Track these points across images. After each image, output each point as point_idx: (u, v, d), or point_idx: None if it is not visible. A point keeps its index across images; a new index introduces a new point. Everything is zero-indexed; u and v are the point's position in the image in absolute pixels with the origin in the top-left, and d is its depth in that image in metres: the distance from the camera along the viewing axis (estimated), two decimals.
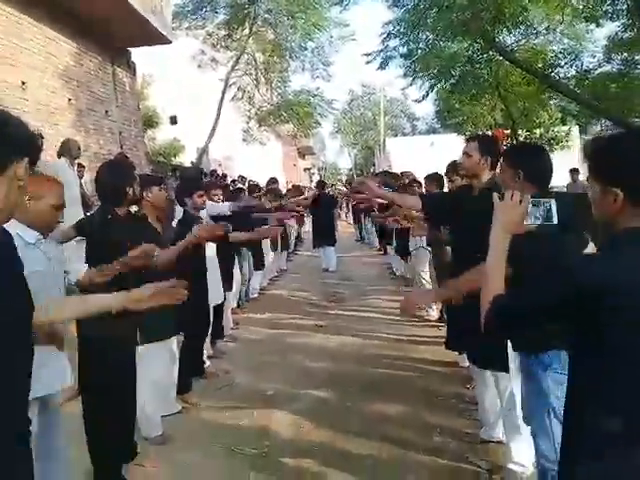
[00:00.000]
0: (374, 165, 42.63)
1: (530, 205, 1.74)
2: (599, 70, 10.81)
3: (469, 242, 3.41)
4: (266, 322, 7.30)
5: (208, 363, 5.35)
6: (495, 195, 1.78)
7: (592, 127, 20.23)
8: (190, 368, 4.70)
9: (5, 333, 1.34)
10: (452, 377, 4.99)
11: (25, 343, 1.48)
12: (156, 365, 3.77)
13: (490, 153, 3.26)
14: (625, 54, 10.34)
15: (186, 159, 20.21)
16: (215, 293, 5.26)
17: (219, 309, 5.68)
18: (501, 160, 2.83)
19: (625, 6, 8.67)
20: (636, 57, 10.26)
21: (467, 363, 4.28)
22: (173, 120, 24.98)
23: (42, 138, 1.45)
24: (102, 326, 2.36)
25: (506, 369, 2.95)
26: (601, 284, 1.40)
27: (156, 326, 3.62)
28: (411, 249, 7.69)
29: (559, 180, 13.33)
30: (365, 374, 5.18)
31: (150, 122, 19.53)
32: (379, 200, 5.08)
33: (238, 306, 7.73)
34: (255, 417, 4.28)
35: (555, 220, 1.74)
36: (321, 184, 13.49)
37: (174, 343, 4.12)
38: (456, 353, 5.05)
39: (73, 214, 4.25)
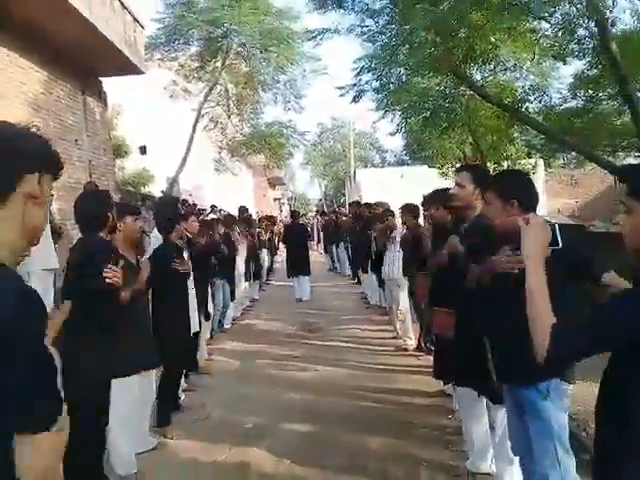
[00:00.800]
0: (344, 196, 42.96)
1: None
2: (565, 105, 11.18)
3: (451, 272, 3.43)
4: (241, 353, 7.16)
5: (183, 396, 5.20)
6: (520, 220, 1.77)
7: (556, 160, 20.80)
8: (169, 401, 4.56)
9: None
10: (433, 408, 4.94)
11: None
12: (127, 399, 3.60)
13: (482, 184, 3.15)
14: (590, 91, 10.73)
15: (155, 189, 20.01)
16: (192, 324, 5.16)
17: (194, 340, 5.57)
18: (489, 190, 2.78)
19: (591, 45, 9.02)
20: (600, 94, 10.66)
21: (451, 391, 4.25)
22: (142, 150, 24.82)
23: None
24: (75, 358, 2.25)
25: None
26: None
27: (130, 359, 3.51)
28: (385, 279, 7.68)
29: None
30: (345, 406, 5.09)
31: (119, 151, 19.34)
32: None
33: (211, 337, 7.58)
34: (233, 452, 4.15)
35: (560, 244, 1.75)
36: (294, 214, 13.49)
37: (152, 376, 3.99)
38: (440, 382, 5.01)
39: (41, 244, 4.13)
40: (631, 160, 12.49)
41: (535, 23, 9.64)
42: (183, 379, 5.50)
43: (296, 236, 12.00)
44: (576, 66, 11.06)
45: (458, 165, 16.05)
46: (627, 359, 1.54)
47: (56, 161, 1.40)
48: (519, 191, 2.55)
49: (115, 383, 3.33)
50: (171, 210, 5.16)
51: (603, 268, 2.34)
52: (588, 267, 2.41)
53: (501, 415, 3.13)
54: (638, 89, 9.41)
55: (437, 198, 4.42)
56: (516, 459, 2.94)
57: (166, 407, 4.51)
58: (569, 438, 2.57)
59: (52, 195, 1.38)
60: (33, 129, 1.37)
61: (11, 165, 1.26)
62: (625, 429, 1.57)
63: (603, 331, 1.53)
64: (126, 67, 11.99)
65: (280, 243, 18.43)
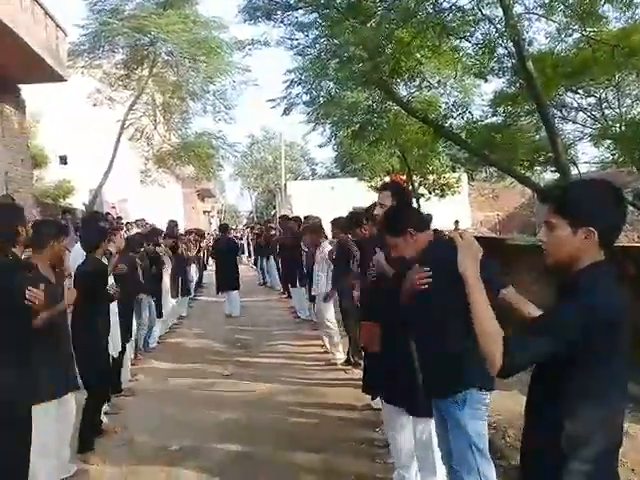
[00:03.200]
0: (274, 208, 42.92)
1: None
2: (486, 121, 11.69)
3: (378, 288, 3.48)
4: (167, 372, 6.94)
5: (105, 420, 4.96)
6: (456, 234, 1.84)
7: (479, 174, 21.65)
8: (91, 426, 4.35)
9: None
10: (361, 421, 4.96)
11: None
12: (46, 425, 3.41)
13: (402, 199, 3.37)
14: (509, 107, 11.29)
15: (77, 201, 19.24)
16: (114, 343, 4.97)
17: (117, 361, 5.36)
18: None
19: (510, 64, 9.50)
20: (519, 110, 11.22)
21: (379, 405, 4.28)
22: (63, 160, 23.85)
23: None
24: None
25: (431, 414, 2.96)
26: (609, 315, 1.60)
27: (49, 383, 3.35)
28: (314, 293, 7.67)
29: (447, 224, 14.15)
30: (275, 423, 5.03)
31: (37, 162, 18.48)
32: None
33: (135, 356, 7.31)
34: (159, 476, 3.99)
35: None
36: (224, 227, 13.28)
37: (72, 400, 3.78)
38: (368, 396, 5.04)
39: None
40: (548, 175, 13.20)
41: (457, 42, 10.06)
42: (105, 402, 5.27)
43: (225, 250, 11.81)
44: (496, 83, 11.64)
45: (386, 178, 16.45)
46: (559, 363, 1.64)
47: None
48: (411, 220, 2.82)
49: (38, 407, 3.16)
50: (96, 226, 4.99)
51: (503, 284, 2.47)
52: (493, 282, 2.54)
53: (421, 427, 3.18)
54: (552, 106, 9.98)
55: (354, 220, 4.61)
56: (440, 469, 3.01)
57: (88, 432, 4.29)
58: (489, 446, 2.65)
59: None
60: None
61: None
62: (555, 432, 1.65)
63: (559, 334, 1.62)
64: (47, 74, 11.55)
65: (209, 258, 18.16)
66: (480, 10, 8.80)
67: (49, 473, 3.52)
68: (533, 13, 9.26)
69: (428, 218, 2.77)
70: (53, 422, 3.52)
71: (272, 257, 14.52)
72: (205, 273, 17.08)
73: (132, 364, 6.78)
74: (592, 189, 1.76)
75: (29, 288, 2.88)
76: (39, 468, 3.35)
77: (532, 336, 1.67)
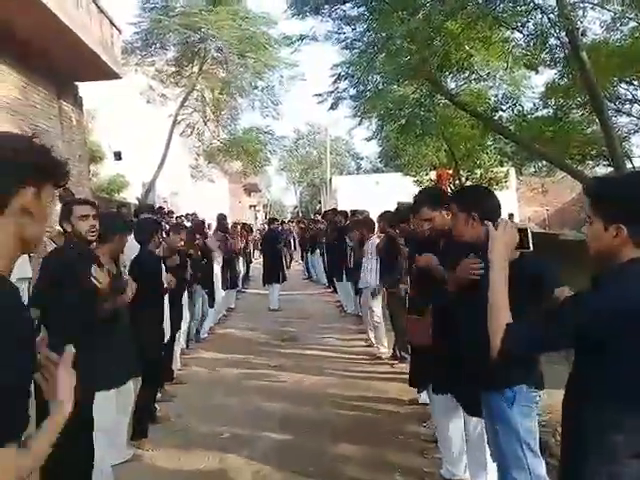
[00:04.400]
0: (320, 203, 43.04)
1: None
2: (536, 114, 11.42)
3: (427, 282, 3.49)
4: (217, 362, 7.11)
5: (157, 407, 5.14)
6: (490, 224, 1.86)
7: (527, 168, 21.14)
8: (146, 413, 4.51)
9: None
10: (408, 415, 4.98)
11: None
12: (107, 412, 3.54)
13: (441, 204, 3.41)
14: (561, 100, 11.00)
15: (130, 195, 19.80)
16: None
17: (168, 349, 5.51)
18: (452, 205, 2.93)
19: (562, 55, 9.25)
20: (570, 103, 10.92)
21: (426, 400, 4.29)
22: (117, 155, 24.53)
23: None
24: None
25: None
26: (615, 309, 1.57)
27: (110, 371, 3.44)
28: (362, 287, 7.69)
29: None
30: (321, 414, 5.10)
31: (94, 157, 19.09)
32: None
33: (187, 346, 7.52)
34: (210, 462, 4.13)
35: (531, 247, 1.83)
36: (272, 221, 13.44)
37: (131, 388, 3.94)
38: (415, 390, 5.06)
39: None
40: (600, 169, 12.80)
41: (508, 33, 9.86)
42: (158, 390, 5.45)
43: (272, 243, 11.98)
44: (547, 75, 11.35)
45: (432, 173, 16.28)
46: (585, 360, 1.66)
47: (56, 170, 1.38)
48: (479, 204, 2.73)
49: (99, 396, 3.28)
50: (150, 220, 5.16)
51: (557, 283, 2.45)
52: (547, 279, 2.53)
53: (474, 421, 3.18)
54: (606, 98, 9.68)
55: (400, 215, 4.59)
56: (491, 466, 3.00)
57: (143, 419, 4.46)
58: (539, 444, 2.63)
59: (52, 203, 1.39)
60: (35, 139, 1.35)
61: (6, 179, 1.27)
62: (582, 433, 1.66)
63: (568, 319, 1.65)
64: (103, 72, 11.87)
65: (255, 251, 18.40)
66: (532, 0, 8.60)
67: (107, 456, 3.66)
68: (588, 2, 8.98)
69: (496, 215, 2.71)
70: (113, 409, 3.63)
71: (318, 251, 14.61)
72: (251, 266, 17.34)
73: (183, 353, 6.99)
74: (624, 185, 1.74)
75: (94, 268, 2.99)
76: (99, 456, 3.50)
77: (538, 322, 1.72)
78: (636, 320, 1.56)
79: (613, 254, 1.68)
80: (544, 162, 13.24)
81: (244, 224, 16.14)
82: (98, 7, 11.12)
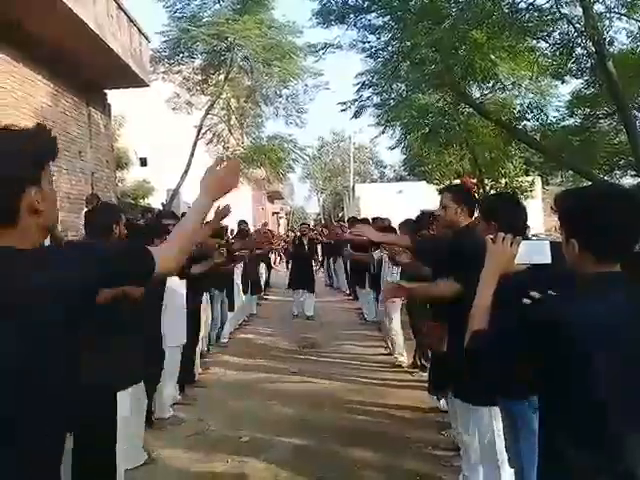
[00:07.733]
0: (343, 210, 43.08)
1: (523, 246, 1.83)
2: (562, 124, 11.32)
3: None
4: (237, 366, 7.17)
5: (171, 411, 5.14)
6: (488, 238, 1.86)
7: (554, 178, 20.88)
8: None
9: None
10: (427, 423, 4.95)
11: None
12: (123, 412, 3.43)
13: (465, 202, 3.32)
14: (587, 109, 10.89)
15: (155, 201, 20.07)
16: (179, 332, 5.11)
17: (187, 352, 5.54)
18: (477, 212, 2.94)
19: (589, 64, 9.18)
20: (597, 112, 10.81)
21: (446, 407, 4.27)
22: (143, 162, 24.92)
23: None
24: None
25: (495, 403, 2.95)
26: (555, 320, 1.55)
27: (126, 370, 3.43)
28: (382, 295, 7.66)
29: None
30: (341, 419, 5.11)
31: (120, 163, 19.44)
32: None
33: (207, 350, 7.59)
34: (229, 466, 4.16)
35: (548, 260, 1.82)
36: (305, 227, 13.42)
37: (142, 389, 3.97)
38: (434, 398, 5.04)
39: None
40: (627, 179, 12.61)
41: (534, 42, 9.82)
42: (178, 392, 5.50)
43: (302, 250, 11.93)
44: (574, 85, 11.25)
45: (456, 181, 16.18)
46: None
47: (48, 152, 1.42)
48: (499, 214, 2.70)
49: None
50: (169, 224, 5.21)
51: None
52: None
53: (488, 419, 3.17)
54: (634, 107, 9.56)
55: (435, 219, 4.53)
56: (505, 472, 2.99)
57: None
58: None
59: (53, 176, 1.45)
60: (22, 133, 1.39)
61: (9, 197, 1.32)
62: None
63: (514, 320, 1.67)
64: (131, 79, 12.11)
65: (278, 258, 18.40)
66: (559, 9, 8.56)
67: (123, 460, 3.65)
68: (614, 12, 8.91)
69: (519, 227, 2.67)
70: (129, 409, 3.59)
71: (340, 258, 14.60)
72: (272, 273, 17.40)
73: (204, 357, 7.05)
74: (573, 199, 1.72)
75: None
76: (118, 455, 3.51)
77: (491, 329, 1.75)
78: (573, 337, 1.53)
79: (579, 269, 1.65)
80: (571, 172, 13.11)
81: (266, 230, 16.21)
82: (127, 16, 11.36)
